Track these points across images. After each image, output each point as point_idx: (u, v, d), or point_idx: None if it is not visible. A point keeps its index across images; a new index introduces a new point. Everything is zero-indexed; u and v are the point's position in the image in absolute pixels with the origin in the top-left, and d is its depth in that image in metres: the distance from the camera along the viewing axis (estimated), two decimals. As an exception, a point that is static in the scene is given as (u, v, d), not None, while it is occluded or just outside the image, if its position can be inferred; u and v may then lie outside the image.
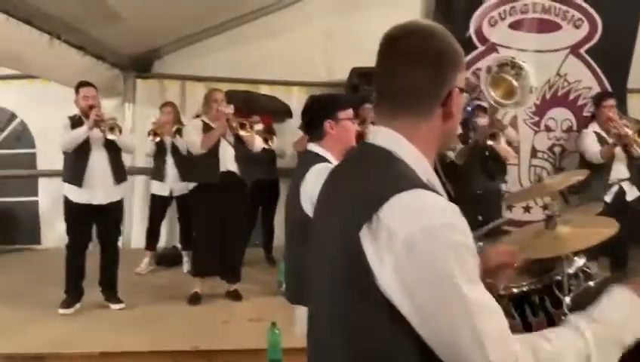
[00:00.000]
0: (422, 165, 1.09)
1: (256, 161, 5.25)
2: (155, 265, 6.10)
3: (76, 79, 4.77)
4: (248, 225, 5.88)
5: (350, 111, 2.45)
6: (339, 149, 2.39)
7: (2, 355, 3.63)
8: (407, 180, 1.01)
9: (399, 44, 1.10)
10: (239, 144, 4.89)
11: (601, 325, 1.02)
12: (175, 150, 5.78)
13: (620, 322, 1.03)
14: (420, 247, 0.93)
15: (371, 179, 1.05)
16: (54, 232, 7.03)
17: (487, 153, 5.02)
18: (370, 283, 0.95)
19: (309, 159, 2.37)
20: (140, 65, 7.22)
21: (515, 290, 2.14)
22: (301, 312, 2.30)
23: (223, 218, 4.81)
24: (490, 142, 4.93)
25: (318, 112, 2.45)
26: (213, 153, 4.80)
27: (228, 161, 4.85)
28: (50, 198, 7.15)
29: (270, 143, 6.03)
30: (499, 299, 2.10)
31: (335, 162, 2.31)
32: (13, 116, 7.43)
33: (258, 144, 5.05)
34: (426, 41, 1.09)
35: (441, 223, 0.95)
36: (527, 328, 2.01)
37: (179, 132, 5.68)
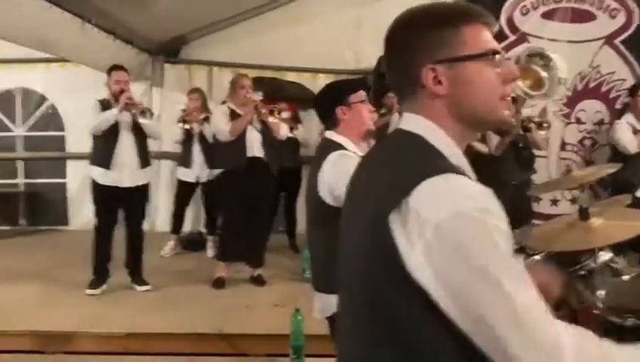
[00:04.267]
0: (451, 149, 1.07)
1: (281, 148, 5.26)
2: (180, 249, 6.18)
3: (106, 63, 4.82)
4: (272, 212, 5.91)
5: (361, 93, 2.39)
6: (356, 133, 2.36)
7: (31, 332, 3.71)
8: (437, 165, 0.99)
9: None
10: (266, 130, 4.90)
11: None
12: (202, 137, 5.83)
13: None
14: (450, 232, 0.91)
15: (401, 165, 1.03)
16: (81, 214, 7.15)
17: (520, 143, 4.96)
18: (400, 269, 0.94)
19: (325, 147, 2.34)
20: (168, 50, 7.27)
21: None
22: (321, 299, 2.31)
23: (250, 203, 4.84)
24: (534, 128, 4.89)
25: (329, 100, 2.41)
26: (240, 139, 4.81)
27: (255, 146, 4.87)
28: (78, 180, 7.26)
29: (295, 132, 6.03)
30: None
31: (353, 148, 2.31)
32: (43, 99, 7.54)
33: (284, 131, 5.06)
34: (392, 33, 1.11)
35: (473, 207, 0.92)
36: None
37: (207, 120, 5.71)
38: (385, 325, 0.99)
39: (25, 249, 6.37)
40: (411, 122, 1.09)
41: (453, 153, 1.06)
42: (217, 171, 5.09)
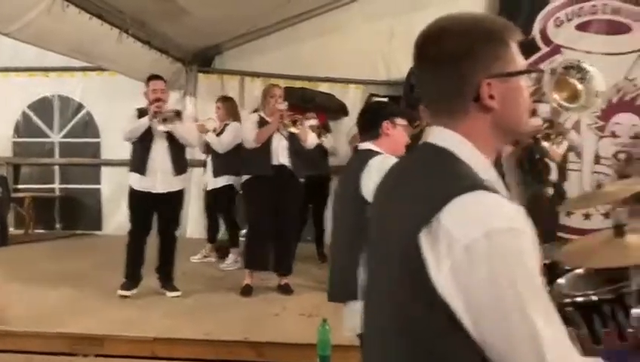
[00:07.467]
0: (482, 164, 1.06)
1: (307, 156, 5.23)
2: (214, 257, 6.20)
3: (142, 72, 4.93)
4: (300, 221, 5.91)
5: (405, 122, 2.56)
6: (391, 152, 2.44)
7: (64, 335, 3.80)
8: (469, 182, 0.98)
9: (418, 52, 1.11)
10: (293, 139, 4.94)
11: None
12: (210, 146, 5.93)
13: None
14: (481, 253, 0.90)
15: (431, 180, 1.02)
16: (115, 219, 7.31)
17: (537, 155, 4.89)
18: (427, 285, 0.94)
19: (364, 156, 2.41)
20: (201, 60, 7.40)
21: (580, 299, 2.06)
22: (350, 309, 2.32)
23: (276, 210, 4.86)
24: (545, 143, 4.83)
25: (379, 112, 2.53)
26: (265, 147, 4.86)
27: (281, 154, 4.91)
28: (111, 186, 7.43)
29: (323, 138, 6.01)
30: (565, 306, 2.04)
31: None
32: (80, 107, 7.74)
33: (311, 141, 5.07)
34: (439, 45, 1.07)
35: (504, 228, 0.91)
36: (595, 339, 1.93)
37: (223, 129, 5.78)
38: (409, 339, 0.99)
39: (60, 252, 6.52)
40: (441, 136, 1.08)
41: (484, 168, 1.05)
42: (222, 180, 5.13)
